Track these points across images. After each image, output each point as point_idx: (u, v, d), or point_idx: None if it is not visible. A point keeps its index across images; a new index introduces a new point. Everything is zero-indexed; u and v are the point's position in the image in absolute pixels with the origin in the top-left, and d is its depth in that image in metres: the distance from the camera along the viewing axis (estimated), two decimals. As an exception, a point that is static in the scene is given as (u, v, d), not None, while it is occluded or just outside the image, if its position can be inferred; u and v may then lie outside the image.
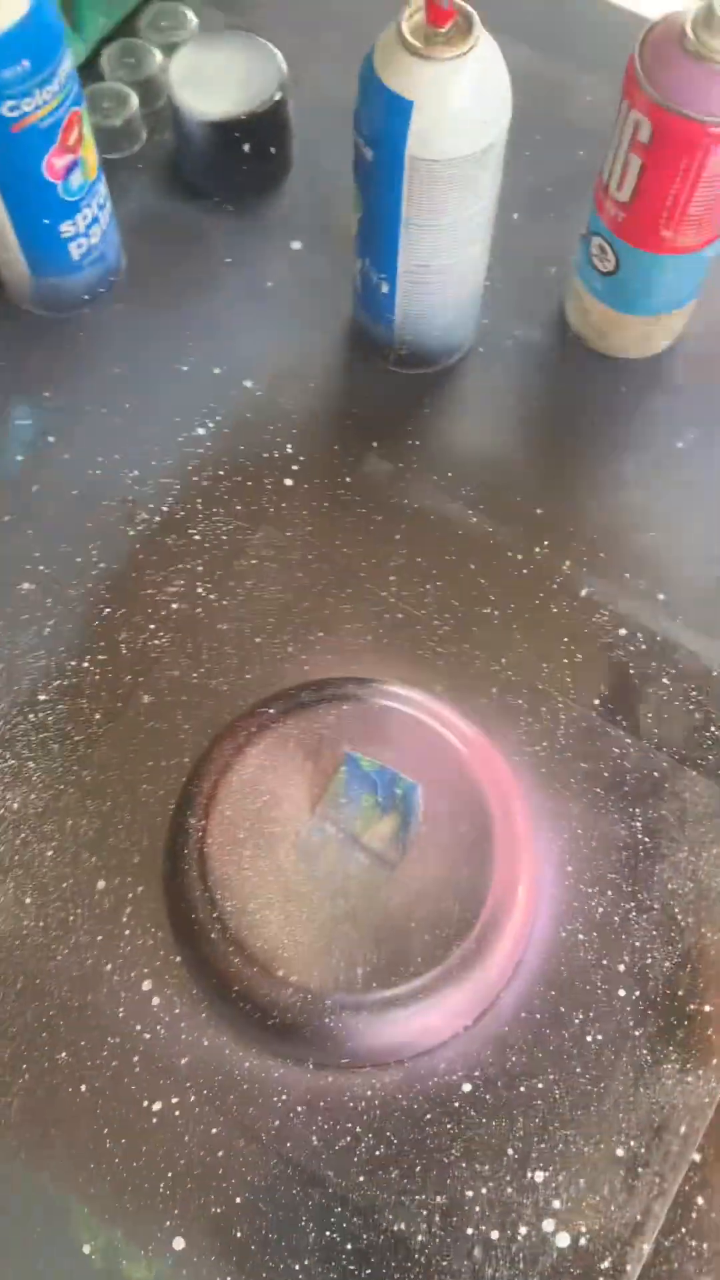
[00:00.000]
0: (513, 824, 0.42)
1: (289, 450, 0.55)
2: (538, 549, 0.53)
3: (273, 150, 0.60)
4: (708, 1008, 0.45)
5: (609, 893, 0.47)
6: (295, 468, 0.55)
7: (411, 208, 0.46)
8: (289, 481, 0.54)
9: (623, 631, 0.52)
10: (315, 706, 0.43)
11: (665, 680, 0.51)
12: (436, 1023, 0.40)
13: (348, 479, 0.54)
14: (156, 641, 0.51)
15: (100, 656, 0.50)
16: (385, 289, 0.51)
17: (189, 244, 0.60)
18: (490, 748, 0.44)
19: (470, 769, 0.43)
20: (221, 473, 0.54)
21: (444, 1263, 0.41)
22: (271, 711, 0.43)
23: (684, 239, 0.49)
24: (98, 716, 0.49)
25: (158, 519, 0.53)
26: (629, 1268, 0.41)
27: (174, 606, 0.51)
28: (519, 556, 0.53)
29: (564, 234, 0.57)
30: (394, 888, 0.41)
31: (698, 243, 0.50)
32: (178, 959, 0.45)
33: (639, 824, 0.48)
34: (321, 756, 0.43)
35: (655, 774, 0.49)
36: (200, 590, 0.52)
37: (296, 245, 0.60)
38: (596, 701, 0.50)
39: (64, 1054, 0.44)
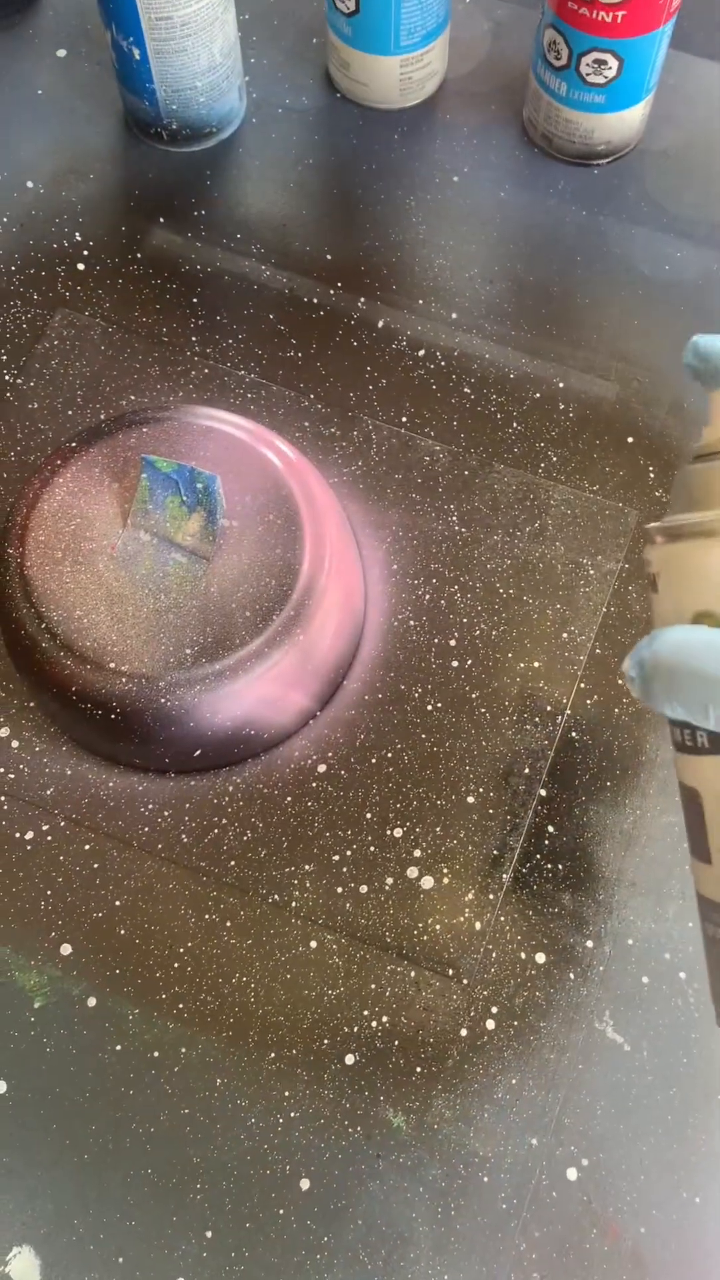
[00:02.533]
0: (318, 507, 0.44)
1: (78, 238, 0.56)
2: (332, 291, 0.55)
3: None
4: (536, 663, 0.48)
5: (434, 581, 0.49)
6: (85, 252, 0.56)
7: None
8: (81, 266, 0.55)
9: (421, 353, 0.54)
10: (116, 433, 0.45)
11: (466, 390, 0.53)
12: (273, 692, 0.42)
13: (139, 255, 0.55)
14: (-29, 429, 0.52)
15: None
16: (137, 54, 0.52)
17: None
18: (293, 450, 0.46)
19: (273, 466, 0.45)
20: (14, 267, 0.55)
21: (320, 919, 0.44)
22: (74, 445, 0.45)
23: (412, -44, 0.51)
24: None
25: (-43, 319, 0.54)
26: (491, 896, 0.44)
27: (-16, 395, 0.53)
28: (314, 300, 0.55)
29: (321, 2, 0.59)
30: (212, 578, 0.43)
31: (427, -39, 0.51)
32: (30, 704, 0.47)
33: (455, 518, 0.50)
34: (128, 475, 0.44)
35: (465, 472, 0.51)
36: (7, 377, 0.53)
37: (61, 53, 0.61)
38: (405, 419, 0.52)
39: (-67, 805, 0.46)
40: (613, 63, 0.52)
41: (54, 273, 0.55)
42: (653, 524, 0.33)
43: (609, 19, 0.50)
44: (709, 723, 0.29)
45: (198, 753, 0.44)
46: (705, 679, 0.28)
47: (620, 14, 0.49)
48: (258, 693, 0.42)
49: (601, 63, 0.52)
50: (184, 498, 0.43)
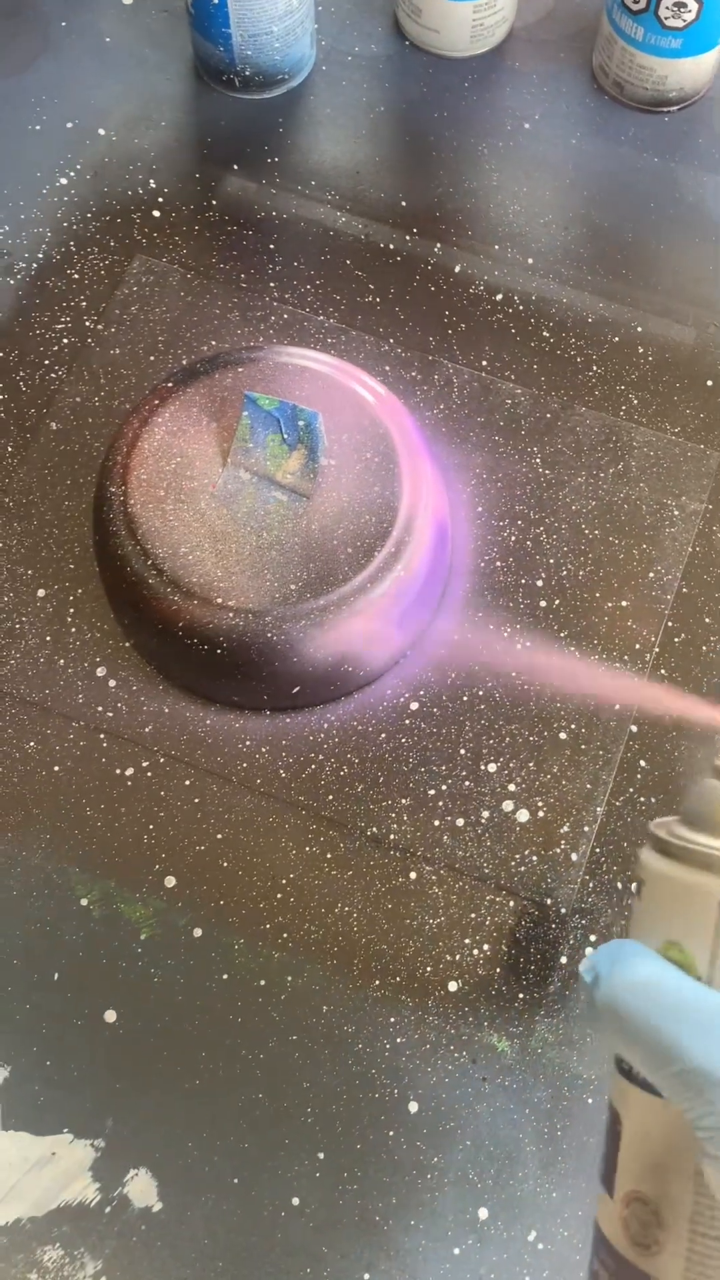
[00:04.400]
0: (414, 446, 0.44)
1: (152, 185, 0.56)
2: (408, 237, 0.55)
3: None
4: (624, 603, 0.48)
5: (519, 523, 0.50)
6: (160, 199, 0.56)
7: None
8: (156, 213, 0.55)
9: (499, 297, 0.54)
10: (212, 374, 0.45)
11: (545, 334, 0.53)
12: (372, 628, 0.43)
13: (214, 201, 0.56)
14: (54, 375, 0.52)
15: (2, 397, 0.52)
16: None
17: (18, 16, 0.60)
18: (387, 392, 0.46)
19: (369, 405, 0.45)
20: (89, 215, 0.55)
21: (419, 851, 0.44)
22: (170, 385, 0.45)
23: None
24: (9, 449, 0.51)
25: (35, 266, 0.54)
26: (586, 829, 0.45)
27: (65, 342, 0.53)
28: (391, 246, 0.55)
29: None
30: (313, 515, 0.43)
31: None
32: (128, 644, 0.47)
33: (538, 460, 0.51)
34: (226, 414, 0.45)
35: (548, 415, 0.52)
36: (87, 323, 0.53)
37: (128, 1, 0.61)
38: (485, 363, 0.53)
39: (32, 743, 0.46)
40: (693, 5, 0.52)
41: (130, 220, 0.55)
42: (660, 824, 0.31)
43: (692, -41, 0.50)
44: (646, 1074, 0.28)
45: (296, 689, 0.44)
46: (654, 1040, 0.27)
47: (704, -46, 0.49)
48: (359, 628, 0.43)
49: (681, 5, 0.52)
50: (285, 435, 0.43)
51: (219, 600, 0.42)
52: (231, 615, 0.41)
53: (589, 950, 0.43)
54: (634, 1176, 0.30)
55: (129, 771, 0.46)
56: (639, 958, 0.28)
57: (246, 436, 0.43)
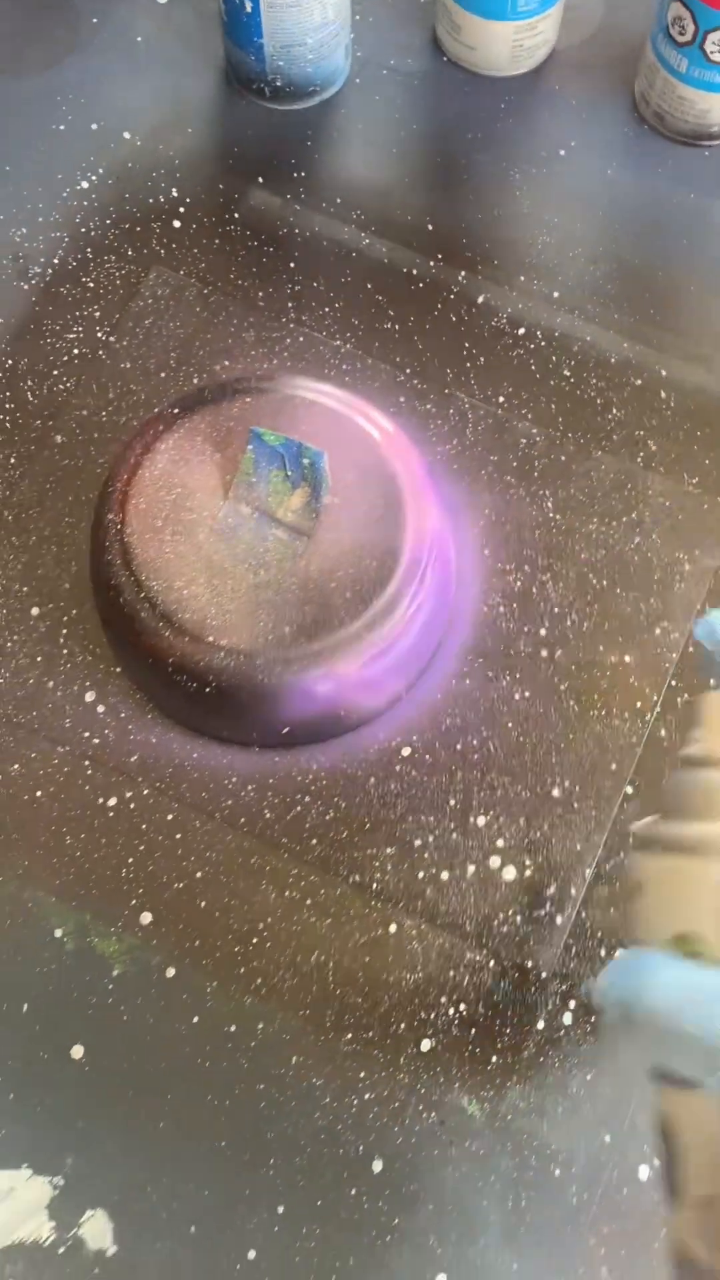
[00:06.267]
0: (420, 489, 0.43)
1: (174, 194, 0.55)
2: (432, 263, 0.54)
3: None
4: (627, 658, 0.47)
5: (526, 568, 0.48)
6: (182, 209, 0.54)
7: None
8: (177, 224, 0.54)
9: (521, 331, 0.52)
10: (220, 402, 0.44)
11: (566, 373, 0.52)
12: (367, 675, 0.42)
13: (236, 214, 0.54)
14: (62, 386, 0.51)
15: (8, 405, 0.51)
16: (249, 7, 0.51)
17: (51, 10, 0.59)
18: (396, 429, 0.45)
19: (376, 443, 0.44)
20: (109, 221, 0.54)
21: (401, 903, 0.44)
22: (176, 411, 0.44)
23: None
24: (13, 460, 0.50)
25: (50, 271, 0.53)
26: (573, 891, 0.44)
27: (75, 352, 0.52)
28: (414, 272, 0.53)
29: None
30: (312, 555, 0.42)
31: None
32: (118, 669, 0.46)
33: (550, 504, 0.49)
34: (230, 445, 0.43)
35: (562, 458, 0.50)
36: (99, 334, 0.52)
37: (162, 0, 0.59)
38: (502, 399, 0.51)
39: (15, 766, 0.45)
40: (740, 41, 0.50)
41: (149, 229, 0.54)
42: (642, 825, 0.31)
43: (743, -4, 0.48)
44: (701, 1075, 0.28)
45: (286, 730, 0.43)
46: (700, 1038, 0.27)
47: (755, -9, 0.48)
48: (353, 675, 0.42)
49: (728, 41, 0.50)
50: (289, 472, 0.42)
51: (211, 639, 0.41)
52: (223, 655, 0.41)
53: (567, 1018, 0.42)
54: (706, 1180, 0.30)
55: (112, 801, 0.45)
56: (659, 963, 0.28)
57: (250, 471, 0.42)
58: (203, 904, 0.44)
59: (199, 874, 0.44)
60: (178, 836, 0.44)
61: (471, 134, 0.57)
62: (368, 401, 0.46)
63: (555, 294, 0.53)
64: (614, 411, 0.51)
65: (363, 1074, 0.42)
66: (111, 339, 0.52)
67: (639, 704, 0.47)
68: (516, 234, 0.54)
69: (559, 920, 0.44)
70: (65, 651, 0.47)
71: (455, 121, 0.57)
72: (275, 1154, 0.41)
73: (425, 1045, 0.42)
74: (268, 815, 0.45)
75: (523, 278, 0.53)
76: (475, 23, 0.55)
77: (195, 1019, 0.42)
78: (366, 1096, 0.42)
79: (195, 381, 0.51)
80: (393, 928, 0.43)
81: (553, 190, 0.55)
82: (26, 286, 0.53)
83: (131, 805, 0.45)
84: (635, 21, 0.58)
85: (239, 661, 0.41)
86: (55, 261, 0.53)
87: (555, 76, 0.58)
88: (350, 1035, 0.42)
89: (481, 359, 0.52)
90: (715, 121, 0.55)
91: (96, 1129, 0.41)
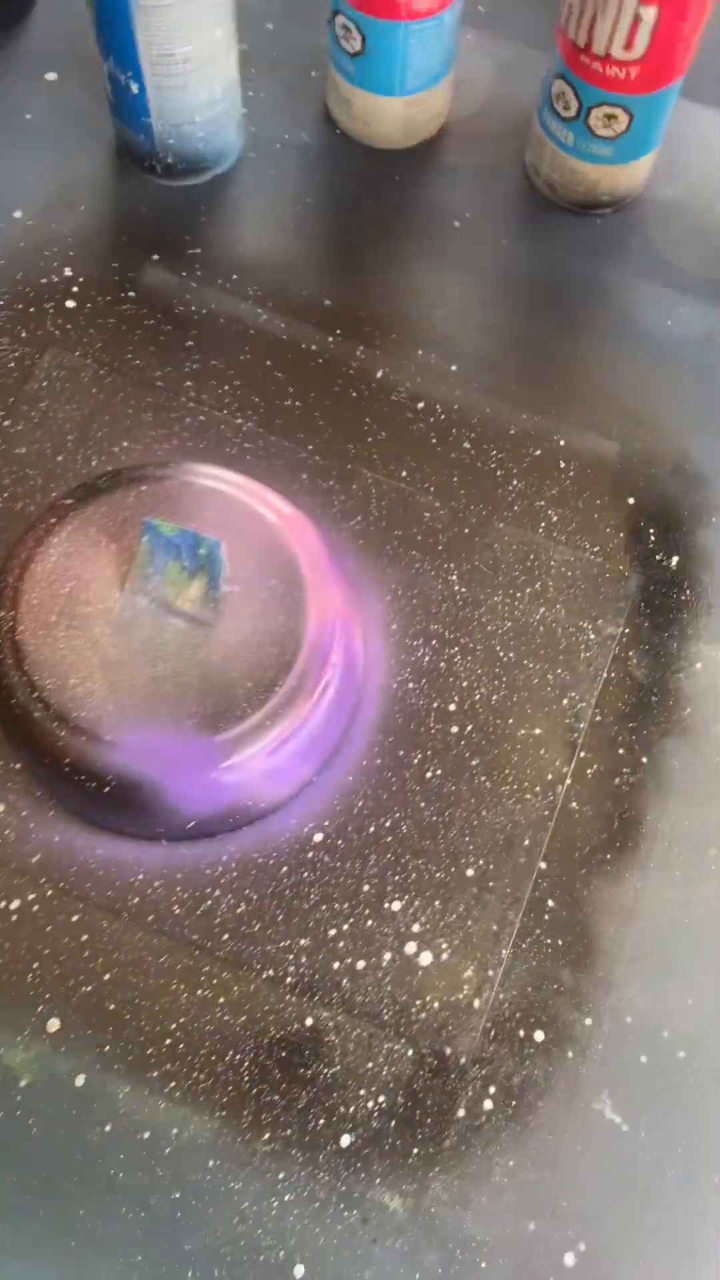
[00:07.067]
0: (321, 571, 0.43)
1: (67, 273, 0.54)
2: (330, 339, 0.54)
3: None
4: (537, 730, 0.47)
5: (433, 642, 0.48)
6: (75, 289, 0.54)
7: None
8: (71, 304, 0.53)
9: (421, 405, 0.53)
10: (114, 491, 0.43)
11: (466, 445, 0.52)
12: (274, 763, 0.41)
13: (131, 293, 0.54)
14: (-44, 473, 0.50)
15: None
16: (135, 89, 0.51)
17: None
18: (294, 511, 0.45)
19: (274, 527, 0.43)
20: (1, 303, 0.53)
21: (315, 997, 0.43)
22: (69, 501, 0.43)
23: (419, 2, 0.50)
24: None
25: (-58, 355, 0.52)
26: (490, 972, 0.44)
27: (-30, 437, 0.51)
28: (313, 348, 0.53)
29: (321, 36, 0.57)
30: (213, 645, 0.42)
31: (436, 4, 0.50)
32: (17, 766, 0.45)
33: (455, 577, 0.49)
34: (126, 536, 0.43)
35: (466, 531, 0.50)
36: (-5, 418, 0.51)
37: (51, 76, 0.59)
38: (404, 473, 0.51)
39: None
40: (623, 117, 0.51)
41: (43, 310, 0.53)
42: None
43: (622, 75, 0.49)
44: None
45: (192, 824, 0.43)
46: None
47: (634, 70, 0.49)
48: (259, 765, 0.41)
49: (612, 117, 0.51)
50: (186, 562, 0.42)
51: (108, 737, 0.40)
52: (121, 753, 0.40)
53: (487, 1104, 0.42)
54: None
55: (15, 904, 0.44)
56: None
57: (146, 563, 0.42)
58: (112, 1006, 0.42)
59: (107, 975, 0.43)
60: (84, 938, 0.43)
61: (366, 207, 0.57)
62: (266, 485, 0.46)
63: (453, 367, 0.53)
64: (515, 483, 0.51)
65: (281, 1174, 0.41)
66: (6, 423, 0.51)
67: (549, 776, 0.46)
68: (413, 307, 0.55)
69: (476, 1003, 0.43)
70: (-37, 750, 0.46)
71: (350, 195, 0.57)
72: (194, 1266, 0.40)
73: (345, 1140, 0.41)
74: (177, 911, 0.44)
75: (420, 351, 0.54)
76: (366, 98, 0.55)
77: (108, 1127, 0.41)
78: (287, 1198, 0.41)
79: (94, 464, 0.50)
80: (309, 1021, 0.43)
81: (449, 262, 0.56)
82: None
83: (35, 907, 0.44)
84: (524, 93, 0.59)
85: (138, 759, 0.40)
86: (-53, 345, 0.53)
87: (448, 148, 0.59)
88: (268, 1135, 0.41)
89: (383, 434, 0.52)
90: (606, 191, 0.56)
91: (4, 1250, 0.40)
